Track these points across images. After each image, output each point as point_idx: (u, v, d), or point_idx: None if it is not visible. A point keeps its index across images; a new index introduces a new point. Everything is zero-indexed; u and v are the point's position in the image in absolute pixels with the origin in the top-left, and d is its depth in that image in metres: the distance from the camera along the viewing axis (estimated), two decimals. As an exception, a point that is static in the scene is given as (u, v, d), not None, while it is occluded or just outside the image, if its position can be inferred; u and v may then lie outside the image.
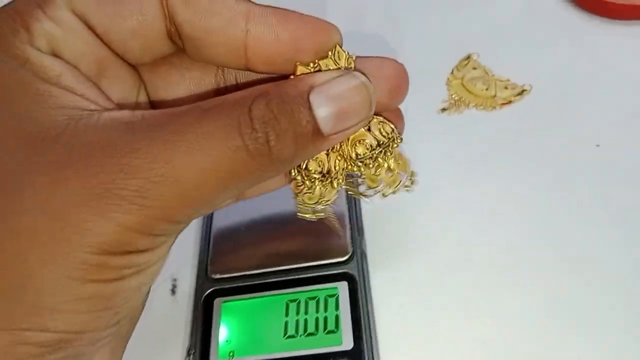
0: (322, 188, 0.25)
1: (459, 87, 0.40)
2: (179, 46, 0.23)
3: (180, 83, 0.25)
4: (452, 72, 0.41)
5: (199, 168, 0.19)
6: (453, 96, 0.40)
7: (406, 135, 0.34)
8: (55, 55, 0.21)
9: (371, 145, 0.24)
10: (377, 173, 0.26)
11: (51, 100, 0.20)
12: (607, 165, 0.35)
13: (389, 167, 0.25)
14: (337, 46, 0.23)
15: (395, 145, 0.25)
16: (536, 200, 0.34)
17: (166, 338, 0.32)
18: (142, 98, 0.25)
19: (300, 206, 0.26)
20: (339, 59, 0.24)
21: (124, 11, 0.22)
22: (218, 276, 0.32)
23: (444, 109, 0.39)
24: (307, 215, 0.26)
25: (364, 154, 0.24)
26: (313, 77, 0.21)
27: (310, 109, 0.20)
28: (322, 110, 0.20)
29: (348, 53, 0.24)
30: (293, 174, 0.24)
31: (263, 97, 0.20)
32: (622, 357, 0.28)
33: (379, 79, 0.24)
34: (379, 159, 0.25)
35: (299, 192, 0.25)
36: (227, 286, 0.32)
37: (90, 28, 0.22)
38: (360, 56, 0.24)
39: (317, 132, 0.21)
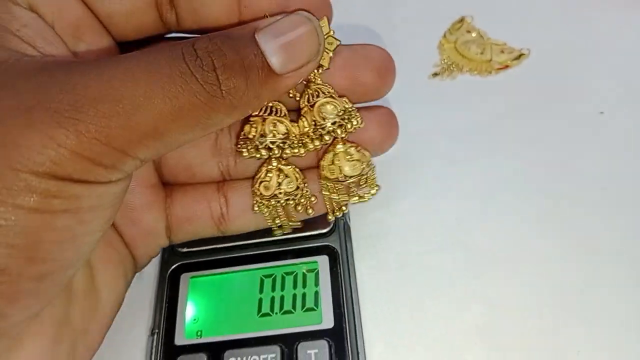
0: (279, 179, 0.25)
1: (451, 51, 0.37)
2: (165, 19, 0.24)
3: None
4: (444, 36, 0.38)
5: (141, 90, 0.18)
6: (445, 60, 0.37)
7: (394, 102, 0.31)
8: (32, 10, 0.21)
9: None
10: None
11: None
12: (611, 133, 0.32)
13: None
14: (325, 19, 0.23)
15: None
16: (533, 174, 0.31)
17: (128, 317, 0.28)
18: None
19: (258, 201, 0.26)
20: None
21: None
22: (185, 249, 0.29)
23: (435, 74, 0.36)
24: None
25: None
26: (257, 22, 0.22)
27: (257, 45, 0.20)
28: (269, 45, 0.20)
29: (333, 32, 0.24)
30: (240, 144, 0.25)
31: (205, 37, 0.20)
32: (622, 342, 0.26)
33: (365, 58, 0.25)
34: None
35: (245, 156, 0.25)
36: (195, 260, 0.29)
37: None
38: (344, 44, 0.25)
39: (268, 69, 0.20)
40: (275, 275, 0.28)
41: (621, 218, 0.29)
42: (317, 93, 0.24)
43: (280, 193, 0.25)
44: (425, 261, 0.29)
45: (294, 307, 0.27)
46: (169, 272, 0.29)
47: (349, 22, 0.38)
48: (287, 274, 0.28)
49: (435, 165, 0.32)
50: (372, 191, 0.27)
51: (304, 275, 0.28)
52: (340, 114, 0.24)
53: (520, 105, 0.34)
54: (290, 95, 0.25)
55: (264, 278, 0.28)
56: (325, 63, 0.24)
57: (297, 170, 0.26)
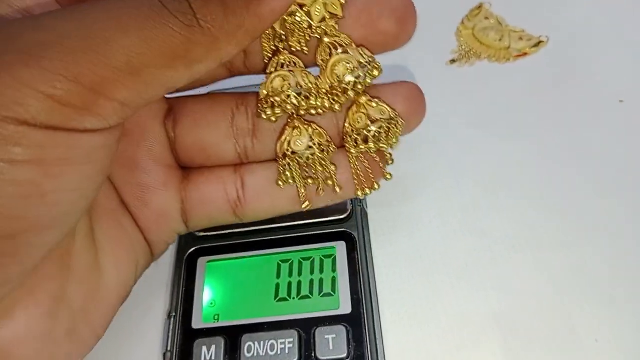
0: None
1: (469, 38, 0.37)
2: None
3: None
4: (462, 22, 0.38)
5: (112, 25, 0.17)
6: (463, 47, 0.37)
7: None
8: None
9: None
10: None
11: None
12: (631, 122, 0.32)
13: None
14: None
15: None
16: (551, 164, 0.31)
17: (146, 300, 0.29)
18: None
19: (281, 163, 0.25)
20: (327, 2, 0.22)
21: None
22: (202, 233, 0.29)
23: (453, 61, 0.36)
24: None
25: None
26: None
27: None
28: None
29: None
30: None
31: None
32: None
33: (384, 4, 0.22)
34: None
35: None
36: (212, 244, 0.29)
37: None
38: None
39: None
40: (293, 261, 0.28)
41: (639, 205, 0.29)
42: (330, 48, 0.23)
43: (289, 151, 0.24)
44: (443, 247, 0.29)
45: (311, 292, 0.27)
46: (186, 256, 0.29)
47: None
48: (305, 259, 0.28)
49: (453, 151, 0.32)
50: (394, 140, 0.25)
51: (322, 261, 0.28)
52: (357, 69, 0.23)
53: (538, 93, 0.34)
54: (299, 48, 0.23)
55: (281, 263, 0.28)
56: (337, 11, 0.22)
57: (320, 128, 0.24)
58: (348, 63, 0.23)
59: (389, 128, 0.24)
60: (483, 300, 0.27)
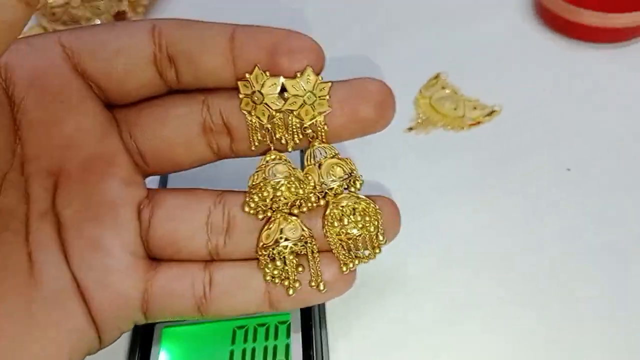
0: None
1: (426, 107, 0.39)
2: (164, 78, 0.24)
3: (165, 123, 0.25)
4: (420, 92, 0.40)
5: None
6: (420, 115, 0.38)
7: (370, 155, 0.32)
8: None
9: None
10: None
11: None
12: (579, 189, 0.33)
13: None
14: (309, 70, 0.23)
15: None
16: (505, 228, 0.32)
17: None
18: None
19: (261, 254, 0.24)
20: (307, 82, 0.23)
21: (110, 35, 0.23)
22: (160, 299, 0.30)
23: (410, 128, 0.38)
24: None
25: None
26: None
27: None
28: None
29: (321, 79, 0.23)
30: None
31: None
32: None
33: (364, 93, 0.24)
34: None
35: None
36: (169, 310, 0.29)
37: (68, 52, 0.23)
38: (338, 80, 0.24)
39: None
40: (248, 327, 0.29)
41: (590, 271, 0.30)
42: (320, 152, 0.24)
43: (282, 239, 0.24)
44: (398, 313, 0.30)
45: (264, 359, 0.27)
46: (143, 322, 0.29)
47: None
48: (260, 325, 0.29)
49: (409, 216, 0.33)
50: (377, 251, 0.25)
51: (276, 327, 0.28)
52: (346, 176, 0.24)
53: (490, 160, 0.36)
54: (283, 141, 0.24)
55: (236, 329, 0.29)
56: (324, 108, 0.23)
57: (301, 222, 0.25)
58: (343, 168, 0.24)
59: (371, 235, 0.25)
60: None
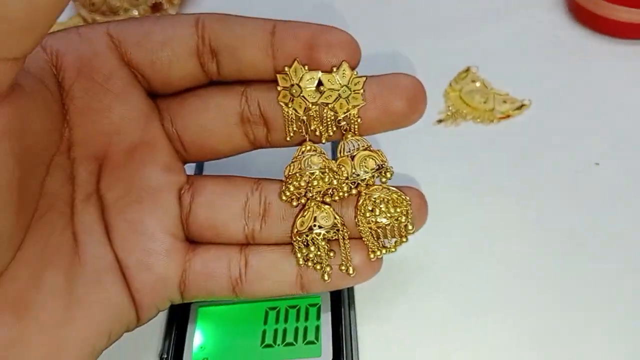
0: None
1: (456, 100, 0.39)
2: (205, 69, 0.25)
3: (205, 112, 0.26)
4: (449, 84, 0.40)
5: None
6: (450, 108, 0.39)
7: (400, 147, 0.33)
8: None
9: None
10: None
11: None
12: (607, 184, 0.34)
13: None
14: (345, 65, 0.24)
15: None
16: (533, 223, 0.33)
17: (139, 342, 0.30)
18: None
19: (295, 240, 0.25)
20: (343, 77, 0.24)
21: (156, 27, 0.25)
22: (196, 280, 0.31)
23: (440, 120, 0.38)
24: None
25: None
26: None
27: None
28: None
29: (356, 73, 0.24)
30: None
31: None
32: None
33: (397, 88, 0.24)
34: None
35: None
36: (205, 290, 0.31)
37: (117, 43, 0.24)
38: (372, 75, 0.25)
39: None
40: (280, 308, 0.30)
41: (615, 268, 0.30)
42: (352, 144, 0.25)
43: (315, 226, 0.25)
44: (426, 304, 0.30)
45: (295, 339, 0.29)
46: (180, 301, 0.30)
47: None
48: (291, 307, 0.30)
49: (437, 209, 0.34)
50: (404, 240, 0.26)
51: (307, 309, 0.29)
52: (378, 168, 0.25)
53: (519, 154, 0.36)
54: (317, 133, 0.25)
55: (268, 310, 0.30)
56: (359, 101, 0.24)
57: (333, 211, 0.26)
58: (375, 160, 0.25)
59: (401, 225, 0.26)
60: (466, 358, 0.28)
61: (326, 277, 0.25)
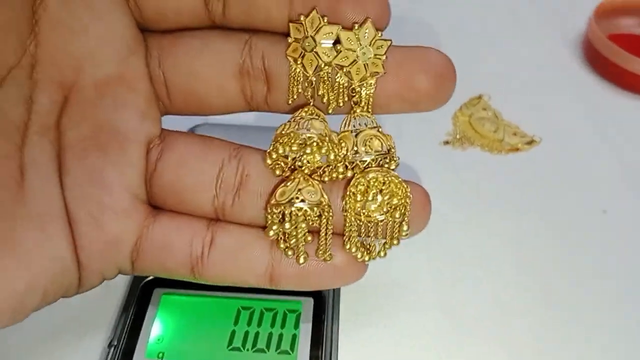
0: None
1: (465, 125, 0.37)
2: (209, 7, 0.21)
3: (200, 56, 0.22)
4: (460, 109, 0.39)
5: None
6: (458, 132, 0.37)
7: (403, 160, 0.31)
8: None
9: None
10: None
11: None
12: (613, 233, 0.32)
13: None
14: (369, 22, 0.20)
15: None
16: (531, 261, 0.31)
17: (87, 323, 0.26)
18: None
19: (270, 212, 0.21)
20: (365, 37, 0.21)
21: None
22: (165, 263, 0.27)
23: (447, 142, 0.36)
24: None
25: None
26: None
27: None
28: None
29: (381, 35, 0.21)
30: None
31: None
32: None
33: (424, 62, 0.21)
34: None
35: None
36: (173, 276, 0.27)
37: None
38: (398, 45, 0.21)
39: None
40: (255, 309, 0.26)
41: (619, 315, 0.28)
42: (359, 121, 0.22)
43: (297, 199, 0.21)
44: (410, 320, 0.28)
45: (267, 346, 0.25)
46: (143, 283, 0.27)
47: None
48: (267, 309, 0.26)
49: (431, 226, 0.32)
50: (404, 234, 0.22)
51: (285, 315, 0.26)
52: (383, 152, 0.22)
53: (524, 190, 0.34)
54: (325, 100, 0.22)
55: (241, 309, 0.26)
56: (379, 69, 0.21)
57: (322, 189, 0.22)
58: (382, 143, 0.22)
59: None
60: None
61: (302, 260, 0.22)
